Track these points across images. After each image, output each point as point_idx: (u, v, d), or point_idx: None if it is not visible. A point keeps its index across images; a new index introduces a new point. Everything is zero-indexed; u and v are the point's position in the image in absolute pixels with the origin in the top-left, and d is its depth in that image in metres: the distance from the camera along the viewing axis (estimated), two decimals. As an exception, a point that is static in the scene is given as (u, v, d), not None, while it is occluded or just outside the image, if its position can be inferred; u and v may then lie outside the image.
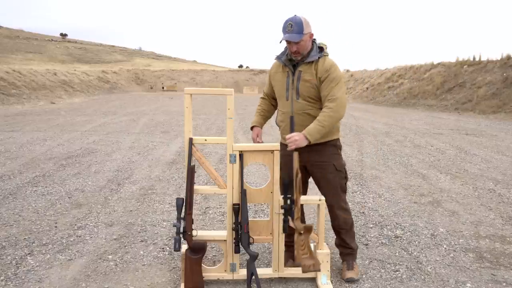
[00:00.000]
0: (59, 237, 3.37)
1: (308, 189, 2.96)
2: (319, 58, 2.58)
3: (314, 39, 2.62)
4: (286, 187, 2.50)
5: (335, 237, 2.88)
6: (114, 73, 37.29)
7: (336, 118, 2.53)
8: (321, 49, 2.61)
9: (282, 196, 2.51)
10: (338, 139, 2.75)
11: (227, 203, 2.59)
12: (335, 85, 2.54)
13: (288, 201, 2.47)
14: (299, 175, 2.44)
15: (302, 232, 2.44)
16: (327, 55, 2.62)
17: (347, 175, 2.80)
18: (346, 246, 2.79)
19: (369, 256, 3.07)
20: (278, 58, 2.69)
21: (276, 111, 2.87)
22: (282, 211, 2.51)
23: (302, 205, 2.86)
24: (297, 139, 2.46)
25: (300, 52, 2.54)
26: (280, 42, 2.56)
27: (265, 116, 2.91)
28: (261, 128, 2.87)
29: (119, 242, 3.28)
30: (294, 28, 2.48)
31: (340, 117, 2.56)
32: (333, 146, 2.70)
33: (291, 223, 2.49)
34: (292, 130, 2.49)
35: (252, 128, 2.87)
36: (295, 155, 2.45)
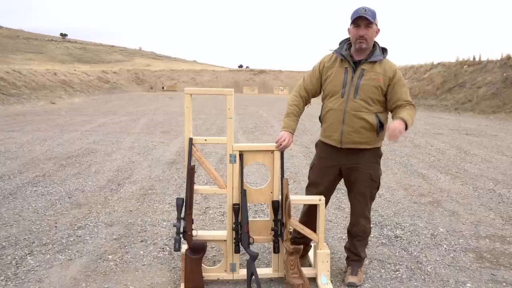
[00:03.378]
0: (59, 237, 3.37)
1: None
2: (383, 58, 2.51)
3: (375, 42, 2.54)
4: (277, 210, 2.55)
5: (347, 240, 2.82)
6: (114, 73, 37.25)
7: (413, 121, 2.44)
8: (384, 50, 2.55)
9: (273, 219, 2.57)
10: (380, 148, 2.64)
11: (227, 203, 2.59)
12: (407, 89, 2.50)
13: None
14: (289, 199, 2.47)
15: (292, 252, 2.49)
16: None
17: (380, 184, 2.72)
18: (355, 253, 2.73)
19: (369, 256, 3.07)
20: (337, 51, 2.55)
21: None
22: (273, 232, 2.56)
23: (307, 211, 2.87)
24: (400, 128, 2.30)
25: (366, 39, 2.43)
26: (352, 22, 2.43)
27: (298, 118, 2.67)
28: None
29: (119, 242, 3.28)
30: (368, 12, 2.39)
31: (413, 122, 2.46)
32: (374, 154, 2.60)
33: (281, 244, 2.56)
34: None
35: (282, 131, 2.58)
36: (285, 181, 2.50)
